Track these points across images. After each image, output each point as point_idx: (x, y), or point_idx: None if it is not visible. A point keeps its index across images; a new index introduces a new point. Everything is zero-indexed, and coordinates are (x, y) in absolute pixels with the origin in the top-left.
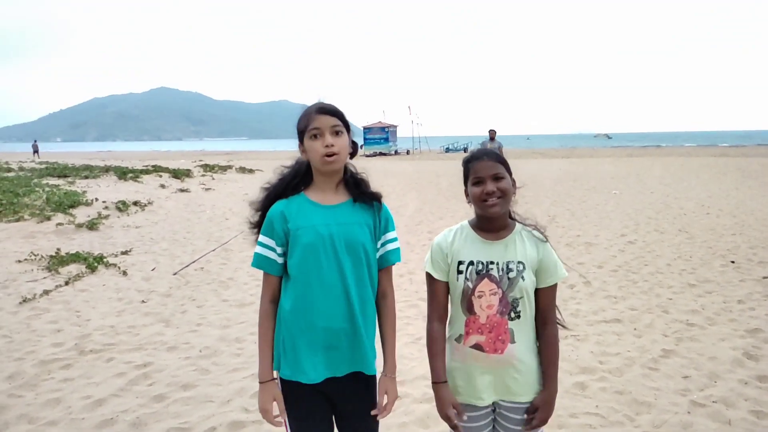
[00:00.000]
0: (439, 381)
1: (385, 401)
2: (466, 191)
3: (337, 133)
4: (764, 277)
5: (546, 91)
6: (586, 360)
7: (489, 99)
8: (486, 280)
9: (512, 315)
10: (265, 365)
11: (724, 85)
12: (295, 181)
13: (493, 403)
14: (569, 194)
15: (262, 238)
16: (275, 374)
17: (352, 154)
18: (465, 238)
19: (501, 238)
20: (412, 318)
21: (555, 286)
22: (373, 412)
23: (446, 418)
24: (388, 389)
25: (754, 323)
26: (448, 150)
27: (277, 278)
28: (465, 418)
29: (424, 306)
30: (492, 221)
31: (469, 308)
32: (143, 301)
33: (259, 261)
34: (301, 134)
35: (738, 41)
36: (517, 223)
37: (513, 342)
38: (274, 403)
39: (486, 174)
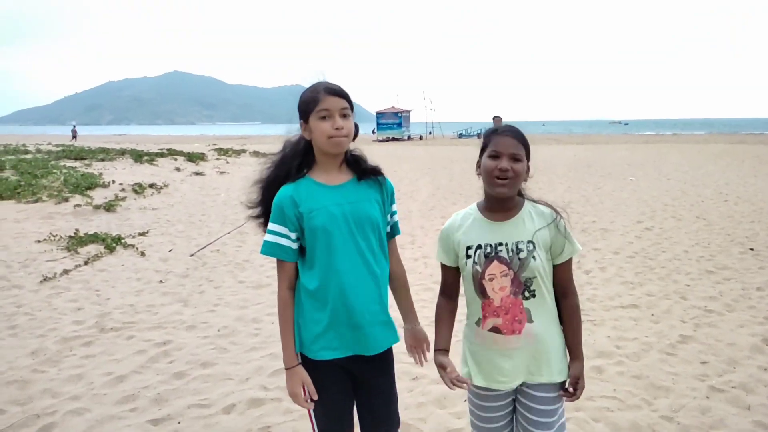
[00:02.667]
0: (438, 348)
1: (420, 347)
2: (478, 163)
3: (345, 116)
4: None
5: (562, 77)
6: (603, 344)
7: (504, 85)
8: (495, 262)
9: (526, 294)
10: (290, 352)
11: (743, 72)
12: (297, 161)
13: (515, 389)
14: (584, 180)
15: (272, 225)
16: (299, 357)
17: (354, 137)
18: (472, 222)
19: (509, 218)
20: (427, 301)
21: (570, 260)
22: (415, 361)
23: (440, 365)
24: (418, 335)
25: None
26: (461, 136)
27: (293, 264)
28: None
29: (438, 289)
30: (499, 201)
31: (482, 292)
32: (161, 282)
33: (271, 248)
34: (306, 113)
35: (758, 28)
36: (526, 201)
37: (531, 321)
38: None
39: (504, 150)
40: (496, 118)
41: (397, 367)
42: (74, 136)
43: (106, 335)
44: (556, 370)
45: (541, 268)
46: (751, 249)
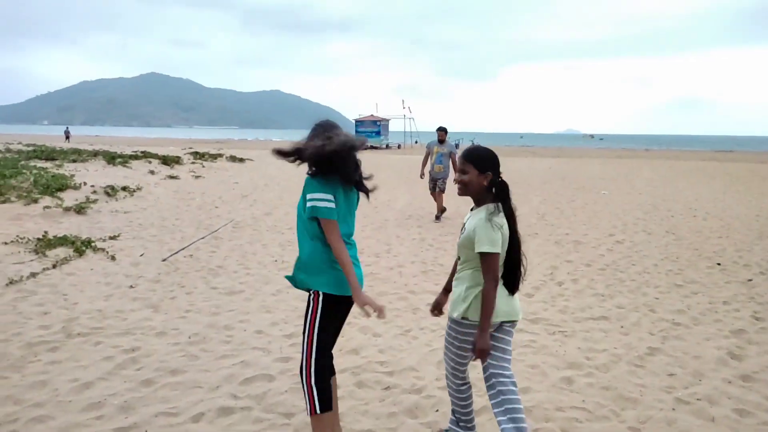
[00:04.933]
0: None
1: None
2: None
3: None
4: (749, 280)
5: (539, 90)
6: (573, 356)
7: (484, 97)
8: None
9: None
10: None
11: (715, 89)
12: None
13: None
14: (558, 193)
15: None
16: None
17: None
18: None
19: (473, 210)
20: (401, 310)
21: (482, 255)
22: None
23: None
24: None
25: (739, 324)
26: None
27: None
28: None
29: (413, 299)
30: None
31: None
32: (131, 287)
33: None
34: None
35: (729, 45)
36: (491, 204)
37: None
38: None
39: (458, 167)
40: (440, 132)
41: (369, 377)
42: (67, 138)
43: (73, 341)
44: (453, 310)
45: (460, 245)
46: (719, 264)
